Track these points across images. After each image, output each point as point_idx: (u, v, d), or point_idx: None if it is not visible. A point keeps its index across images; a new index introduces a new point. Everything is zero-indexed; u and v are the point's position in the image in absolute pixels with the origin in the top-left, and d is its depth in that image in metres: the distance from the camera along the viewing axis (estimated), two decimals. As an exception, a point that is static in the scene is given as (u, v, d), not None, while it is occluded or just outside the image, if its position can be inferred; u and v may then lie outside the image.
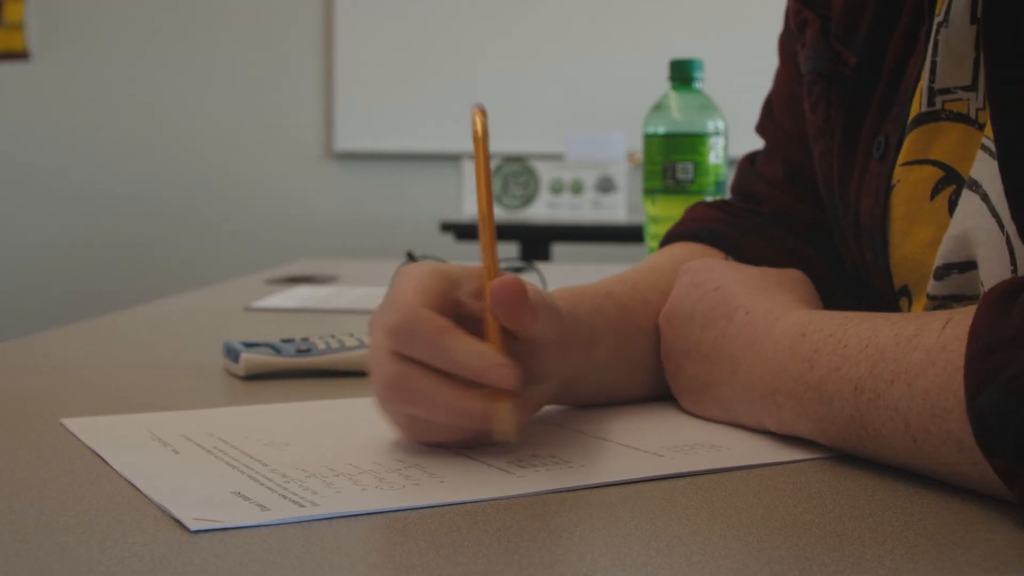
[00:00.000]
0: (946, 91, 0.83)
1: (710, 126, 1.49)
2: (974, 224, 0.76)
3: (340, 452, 0.74)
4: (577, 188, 3.64)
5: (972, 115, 0.81)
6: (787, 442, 0.78)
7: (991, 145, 0.74)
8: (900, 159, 0.87)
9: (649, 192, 1.52)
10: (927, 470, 0.67)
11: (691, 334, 0.87)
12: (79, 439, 0.78)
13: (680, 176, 1.49)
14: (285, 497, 0.63)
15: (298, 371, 1.05)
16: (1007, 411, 0.57)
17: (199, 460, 0.72)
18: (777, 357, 0.78)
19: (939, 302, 0.81)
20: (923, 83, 0.84)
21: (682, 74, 1.52)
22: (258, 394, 0.97)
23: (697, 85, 1.52)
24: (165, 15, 4.71)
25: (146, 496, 0.64)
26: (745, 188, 1.10)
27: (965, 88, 0.81)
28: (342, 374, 1.05)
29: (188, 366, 1.11)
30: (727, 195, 1.27)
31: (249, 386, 1.01)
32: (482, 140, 0.80)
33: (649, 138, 1.52)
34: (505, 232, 3.51)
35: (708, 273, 0.89)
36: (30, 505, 0.63)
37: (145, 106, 4.73)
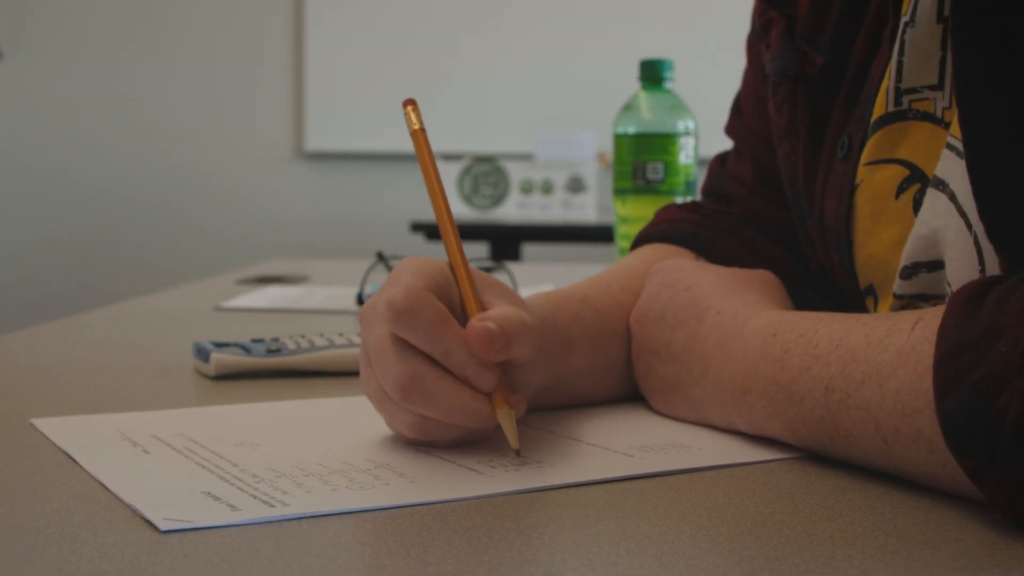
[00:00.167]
0: (913, 90, 0.83)
1: (680, 126, 1.50)
2: (942, 224, 0.76)
3: (310, 452, 0.74)
4: (547, 188, 3.64)
5: (938, 114, 0.81)
6: (757, 442, 0.78)
7: (957, 144, 0.74)
8: (864, 159, 0.87)
9: (619, 192, 1.52)
10: (897, 471, 0.67)
11: (662, 334, 0.87)
12: (49, 439, 0.78)
13: (650, 176, 1.49)
14: (255, 497, 0.63)
15: (268, 371, 1.05)
16: (976, 412, 0.58)
17: (169, 460, 0.72)
18: (748, 357, 0.78)
19: (906, 301, 0.81)
20: (888, 83, 0.85)
21: (652, 74, 1.52)
22: (228, 394, 0.97)
23: (667, 85, 1.52)
24: (134, 15, 4.69)
25: (116, 496, 0.64)
26: (716, 188, 1.10)
27: (932, 87, 0.82)
28: (312, 374, 1.05)
29: (158, 366, 1.10)
30: (697, 195, 1.28)
31: (219, 386, 1.00)
32: (420, 133, 0.80)
33: (619, 138, 1.52)
34: (475, 232, 3.51)
35: (679, 273, 0.89)
36: (-1, 506, 0.63)
37: (113, 106, 4.71)
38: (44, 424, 0.82)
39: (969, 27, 0.69)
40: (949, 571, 0.53)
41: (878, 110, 0.86)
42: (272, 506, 0.62)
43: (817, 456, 0.74)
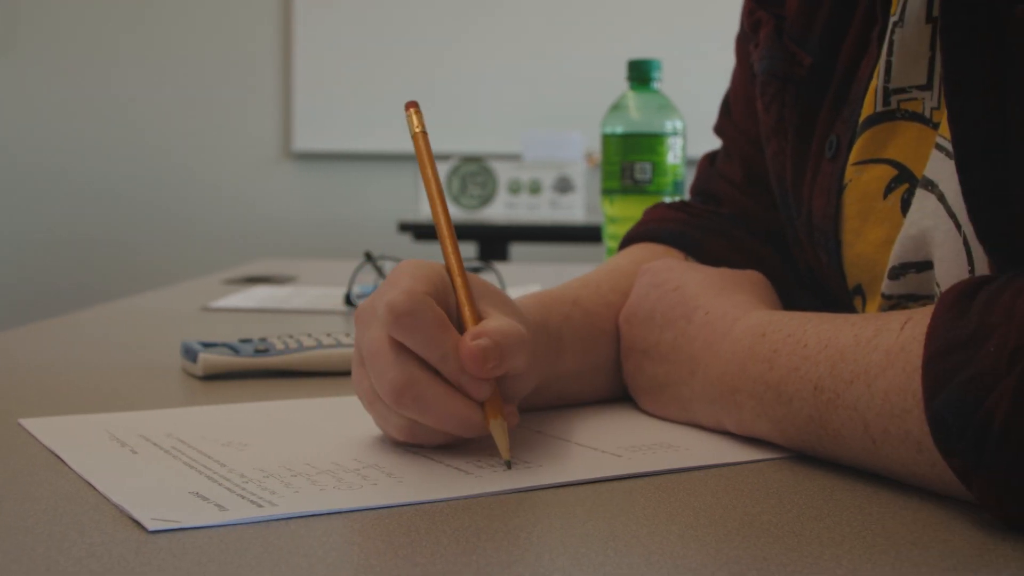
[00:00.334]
0: (901, 90, 0.83)
1: (668, 126, 1.50)
2: (931, 224, 0.76)
3: (298, 452, 0.74)
4: (535, 188, 3.64)
5: (927, 114, 0.81)
6: (746, 442, 0.78)
7: (946, 144, 0.75)
8: (852, 159, 0.87)
9: (607, 192, 1.52)
10: (886, 471, 0.67)
11: (650, 334, 0.87)
12: (37, 439, 0.78)
13: (638, 176, 1.49)
14: (243, 497, 0.63)
15: (256, 371, 1.05)
16: (965, 412, 0.58)
17: (157, 460, 0.72)
18: (736, 357, 0.78)
19: (894, 301, 0.82)
20: (877, 83, 0.85)
21: (640, 74, 1.52)
22: (216, 394, 0.97)
23: (655, 85, 1.52)
24: (122, 16, 4.68)
25: (104, 496, 0.64)
26: (705, 188, 1.10)
27: (920, 87, 0.82)
28: (300, 374, 1.05)
29: (146, 366, 1.10)
30: (685, 195, 1.28)
31: (207, 386, 1.00)
32: (421, 136, 0.80)
33: (607, 138, 1.52)
34: (463, 232, 3.50)
35: (668, 273, 0.89)
36: (-14, 506, 0.62)
37: (101, 106, 4.70)
38: (32, 424, 0.82)
39: (958, 27, 0.69)
40: (937, 571, 0.53)
41: (866, 110, 0.86)
42: (260, 506, 0.62)
43: (805, 456, 0.74)
